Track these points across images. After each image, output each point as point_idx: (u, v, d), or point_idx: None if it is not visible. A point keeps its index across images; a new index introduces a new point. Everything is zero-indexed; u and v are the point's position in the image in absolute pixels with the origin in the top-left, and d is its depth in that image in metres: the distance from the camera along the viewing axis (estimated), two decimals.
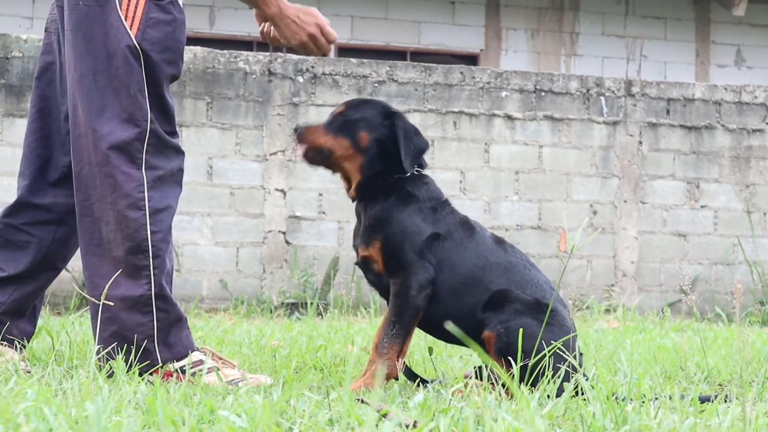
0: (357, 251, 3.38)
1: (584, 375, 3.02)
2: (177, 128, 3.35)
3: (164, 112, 3.27)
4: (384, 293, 3.35)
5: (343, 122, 3.35)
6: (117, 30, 3.19)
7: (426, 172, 3.43)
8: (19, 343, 3.42)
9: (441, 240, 3.27)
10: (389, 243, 3.26)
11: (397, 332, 3.20)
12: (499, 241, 3.36)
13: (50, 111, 3.42)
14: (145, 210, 3.20)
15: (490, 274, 3.26)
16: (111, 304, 3.15)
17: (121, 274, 3.17)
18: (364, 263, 3.34)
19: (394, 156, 3.32)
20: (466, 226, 3.34)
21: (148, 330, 3.21)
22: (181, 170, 3.34)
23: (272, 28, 3.40)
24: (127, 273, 3.18)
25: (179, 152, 3.33)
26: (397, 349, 3.20)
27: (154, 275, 3.21)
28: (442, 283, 3.24)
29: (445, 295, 3.25)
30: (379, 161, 3.34)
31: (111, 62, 3.20)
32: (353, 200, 3.41)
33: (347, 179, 3.39)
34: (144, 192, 3.21)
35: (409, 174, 3.35)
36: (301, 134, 3.33)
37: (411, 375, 3.36)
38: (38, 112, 3.44)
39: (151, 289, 3.21)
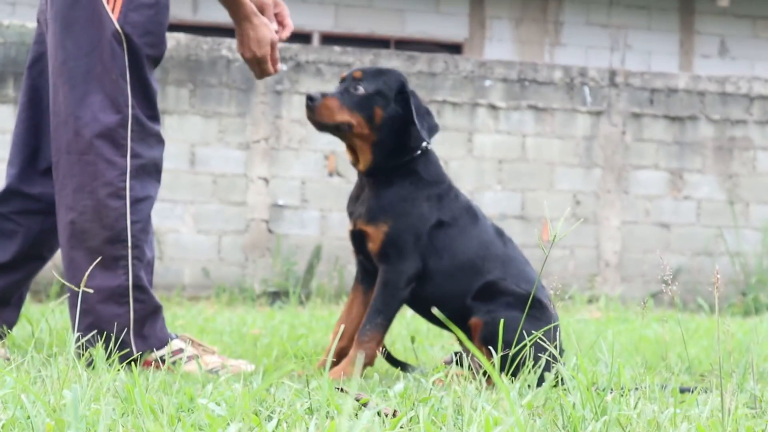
0: (353, 218, 3.35)
1: (563, 365, 3.02)
2: (159, 114, 3.33)
3: (146, 97, 3.25)
4: (365, 270, 3.35)
5: (360, 97, 3.30)
6: (99, 14, 3.17)
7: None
8: (0, 331, 3.40)
9: (445, 227, 3.28)
10: (396, 231, 3.25)
11: (381, 322, 3.22)
12: (500, 233, 3.37)
13: (41, 101, 3.40)
14: (125, 199, 3.18)
15: (489, 265, 3.28)
16: (90, 291, 3.14)
17: (96, 265, 3.13)
18: (357, 236, 3.32)
19: (404, 132, 3.30)
20: (470, 212, 3.35)
21: (124, 321, 3.19)
22: (161, 160, 3.32)
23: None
24: (103, 263, 3.15)
25: (160, 141, 3.31)
26: (379, 338, 3.21)
27: (132, 265, 3.19)
28: (441, 267, 3.26)
29: (441, 280, 3.26)
30: (391, 138, 3.31)
31: (93, 47, 3.18)
32: (361, 174, 3.38)
33: (353, 151, 3.36)
34: (126, 181, 3.19)
35: (419, 152, 3.33)
36: (317, 108, 3.27)
37: (392, 361, 3.36)
38: (29, 102, 3.43)
39: (128, 280, 3.19)
